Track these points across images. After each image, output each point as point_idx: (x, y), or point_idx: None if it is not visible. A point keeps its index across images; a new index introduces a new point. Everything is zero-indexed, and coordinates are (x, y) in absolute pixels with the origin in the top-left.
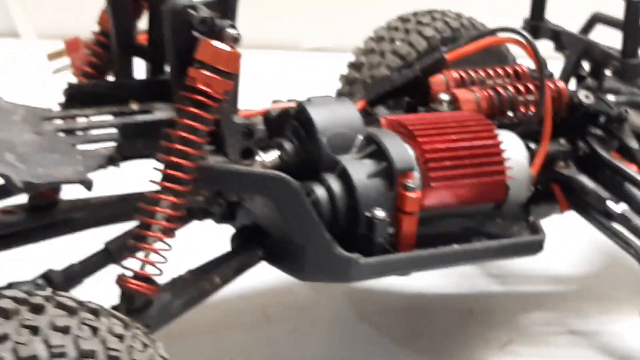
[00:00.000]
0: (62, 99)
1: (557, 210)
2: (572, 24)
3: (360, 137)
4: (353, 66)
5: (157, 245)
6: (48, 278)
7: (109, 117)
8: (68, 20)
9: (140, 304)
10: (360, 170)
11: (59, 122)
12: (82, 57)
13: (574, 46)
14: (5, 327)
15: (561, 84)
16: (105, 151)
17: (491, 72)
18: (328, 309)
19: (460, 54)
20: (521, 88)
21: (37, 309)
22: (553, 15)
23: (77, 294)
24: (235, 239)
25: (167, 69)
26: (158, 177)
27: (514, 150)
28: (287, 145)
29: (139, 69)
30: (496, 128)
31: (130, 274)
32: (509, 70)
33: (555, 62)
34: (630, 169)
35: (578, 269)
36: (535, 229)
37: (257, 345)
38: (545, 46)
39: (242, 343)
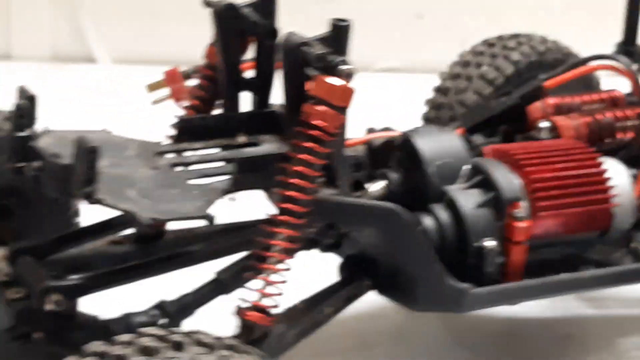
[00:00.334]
0: (171, 132)
1: None
2: None
3: (467, 167)
4: (439, 90)
5: (273, 277)
6: (162, 309)
7: (217, 150)
8: (142, 46)
9: (259, 335)
10: (469, 200)
11: (170, 156)
12: (182, 88)
13: None
14: None
15: None
16: (220, 185)
17: (587, 98)
18: (424, 334)
19: (559, 81)
20: (619, 114)
21: (177, 347)
22: None
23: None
24: (343, 268)
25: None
26: (273, 210)
27: (617, 176)
28: (393, 176)
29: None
30: (599, 155)
31: (247, 305)
32: (605, 95)
33: None
34: None
35: None
36: (638, 256)
37: None
38: None
39: None
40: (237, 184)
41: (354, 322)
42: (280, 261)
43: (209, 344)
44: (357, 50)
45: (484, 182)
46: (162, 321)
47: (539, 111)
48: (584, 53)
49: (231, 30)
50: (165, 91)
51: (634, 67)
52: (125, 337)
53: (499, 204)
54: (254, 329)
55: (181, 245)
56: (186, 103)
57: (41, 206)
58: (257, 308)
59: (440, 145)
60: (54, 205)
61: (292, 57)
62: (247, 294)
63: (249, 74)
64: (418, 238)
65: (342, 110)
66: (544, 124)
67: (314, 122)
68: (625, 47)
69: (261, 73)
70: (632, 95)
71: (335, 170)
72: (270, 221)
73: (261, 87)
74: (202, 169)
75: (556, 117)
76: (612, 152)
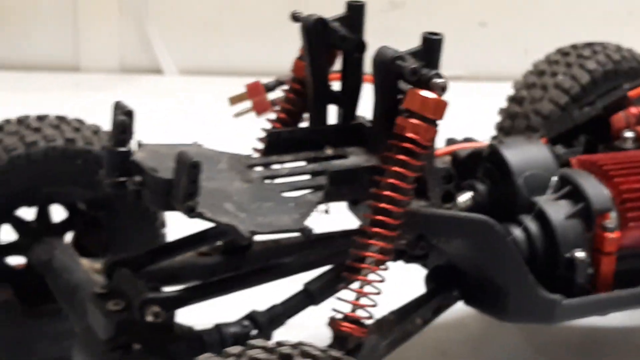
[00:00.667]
0: (260, 145)
1: None
2: None
3: (555, 178)
4: (514, 100)
5: (367, 288)
6: (253, 319)
7: (305, 163)
8: (208, 57)
9: (353, 346)
10: (558, 211)
11: (261, 169)
12: (264, 101)
13: None
14: None
15: None
16: (314, 197)
17: None
18: (503, 344)
19: None
20: None
21: (286, 359)
22: None
23: None
24: (430, 279)
25: (359, 114)
26: (357, 222)
27: None
28: (480, 187)
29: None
30: None
31: (340, 316)
32: None
33: None
34: None
35: None
36: None
37: None
38: None
39: None
40: (328, 196)
41: (432, 331)
42: (373, 273)
43: (316, 356)
44: None
45: (573, 193)
46: (253, 332)
47: (621, 121)
48: None
49: (320, 44)
50: (247, 104)
51: None
52: (234, 349)
53: (588, 215)
54: (348, 340)
55: (270, 257)
56: (268, 116)
57: (130, 219)
58: (351, 319)
59: (529, 156)
60: (142, 219)
61: (385, 71)
62: (339, 305)
63: (336, 86)
64: (510, 249)
65: (434, 123)
66: (629, 134)
67: (408, 134)
68: None
69: (348, 86)
70: None
71: (426, 181)
72: (363, 233)
73: (348, 101)
74: (295, 181)
75: None
76: None
